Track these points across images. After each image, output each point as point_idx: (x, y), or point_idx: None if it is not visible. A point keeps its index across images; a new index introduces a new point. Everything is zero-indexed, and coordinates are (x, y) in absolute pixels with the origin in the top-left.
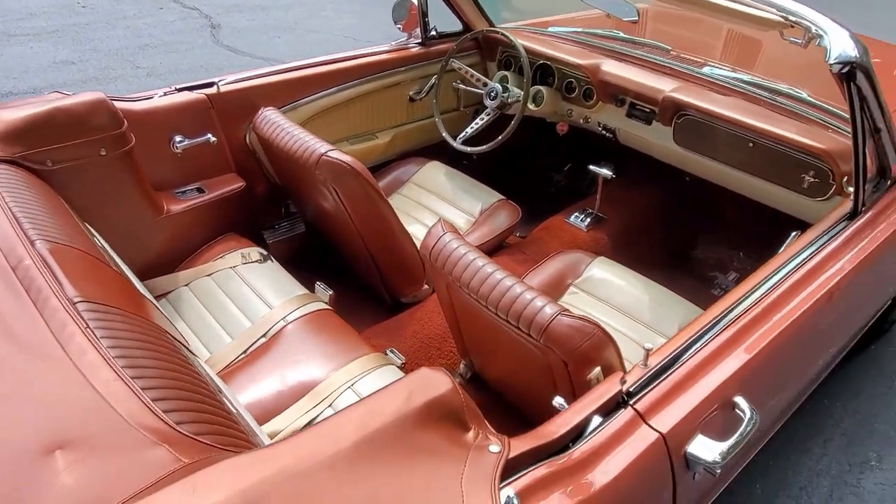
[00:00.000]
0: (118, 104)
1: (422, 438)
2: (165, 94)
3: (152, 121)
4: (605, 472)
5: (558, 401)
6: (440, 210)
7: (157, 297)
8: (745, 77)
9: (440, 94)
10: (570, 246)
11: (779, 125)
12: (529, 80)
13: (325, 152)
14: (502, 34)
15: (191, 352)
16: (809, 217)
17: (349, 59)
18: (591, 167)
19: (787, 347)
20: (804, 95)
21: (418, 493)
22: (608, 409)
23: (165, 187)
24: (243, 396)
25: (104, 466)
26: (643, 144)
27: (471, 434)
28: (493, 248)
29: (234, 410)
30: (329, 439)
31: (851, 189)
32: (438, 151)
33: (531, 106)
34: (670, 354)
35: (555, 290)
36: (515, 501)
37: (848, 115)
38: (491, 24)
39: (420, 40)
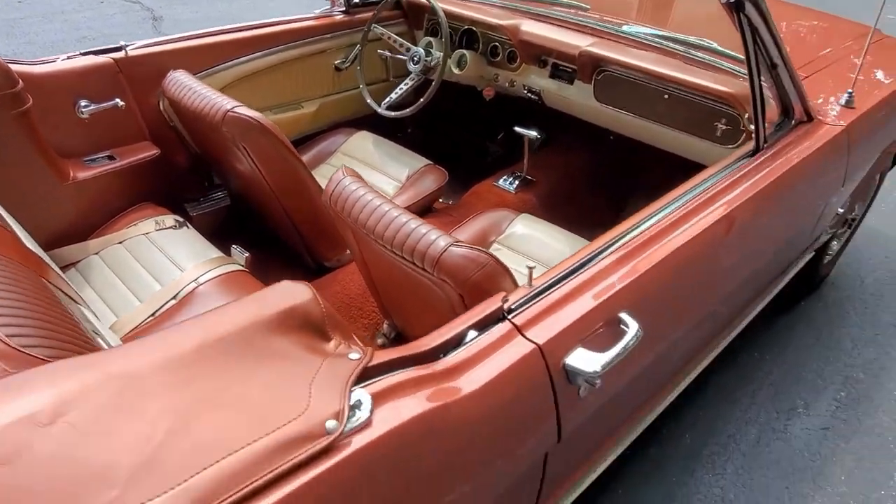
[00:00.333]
0: (15, 67)
1: (274, 345)
2: (69, 57)
3: (54, 84)
4: (472, 380)
5: None
6: (367, 177)
7: (67, 267)
8: (660, 32)
9: (366, 63)
10: (497, 208)
11: (691, 74)
12: (448, 39)
13: (231, 108)
14: None
15: (81, 304)
16: None
17: (269, 26)
18: (517, 129)
19: (678, 271)
20: (714, 45)
21: (261, 393)
22: (485, 324)
23: (74, 154)
24: None
25: None
26: (567, 105)
27: (332, 344)
28: (420, 211)
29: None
30: (169, 343)
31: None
32: (371, 123)
33: (456, 70)
34: (557, 275)
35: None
36: (367, 402)
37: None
38: None
39: (343, 8)
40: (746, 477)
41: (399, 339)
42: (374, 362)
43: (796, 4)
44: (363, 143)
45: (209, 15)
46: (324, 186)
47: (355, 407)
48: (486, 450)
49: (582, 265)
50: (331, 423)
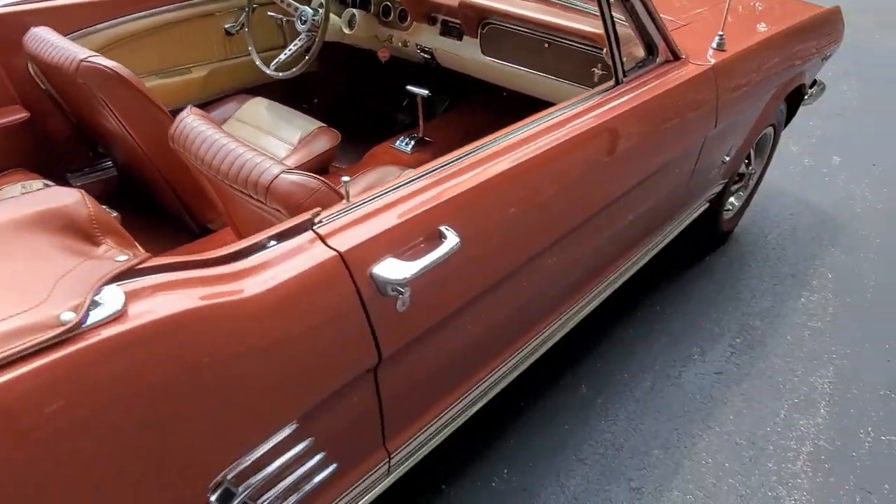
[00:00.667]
0: None
1: (26, 243)
2: None
3: None
4: (257, 283)
5: None
6: (259, 142)
7: None
8: None
9: (260, 27)
10: (387, 165)
11: (565, 20)
12: None
13: (86, 57)
14: None
15: None
16: None
17: None
18: (409, 87)
19: (514, 191)
20: None
21: None
22: (288, 235)
23: None
24: None
25: None
26: (460, 63)
27: (102, 248)
28: (313, 171)
29: None
30: None
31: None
32: (273, 92)
33: (346, 30)
34: (380, 191)
35: None
36: (119, 297)
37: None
38: None
39: None
40: (638, 422)
41: None
42: (149, 264)
43: None
44: (257, 108)
45: None
46: None
47: (101, 301)
48: (274, 355)
49: (408, 182)
50: (67, 315)
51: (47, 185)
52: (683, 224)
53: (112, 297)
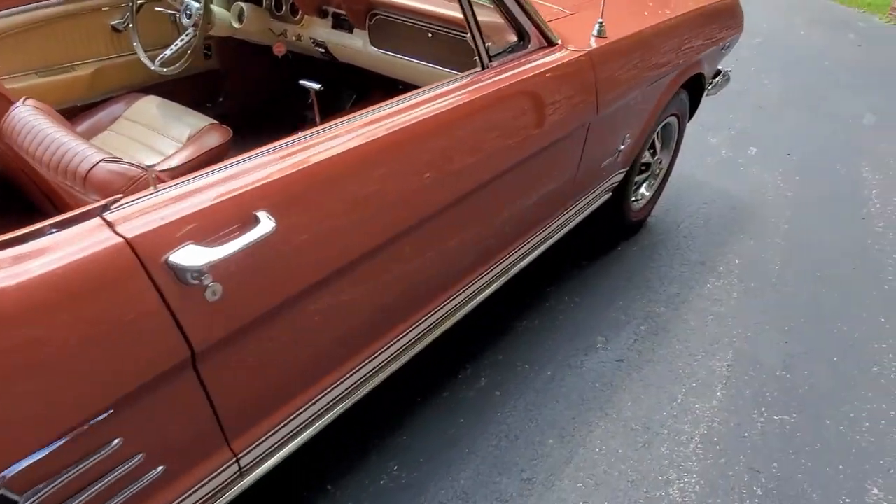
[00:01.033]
0: None
1: None
2: None
3: None
4: (27, 273)
5: None
6: (148, 140)
7: None
8: None
9: (152, 23)
10: None
11: (445, 8)
12: None
13: None
14: None
15: None
16: None
17: None
18: (301, 82)
19: (351, 175)
20: None
21: None
22: (72, 222)
23: None
24: None
25: None
26: (351, 55)
27: None
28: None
29: None
30: None
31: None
32: (173, 93)
33: (235, 24)
34: (192, 176)
35: None
36: None
37: None
38: None
39: None
40: (536, 413)
41: None
42: None
43: None
44: (147, 107)
45: None
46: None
47: None
48: (44, 350)
49: (228, 167)
50: None
51: None
52: (583, 213)
53: None
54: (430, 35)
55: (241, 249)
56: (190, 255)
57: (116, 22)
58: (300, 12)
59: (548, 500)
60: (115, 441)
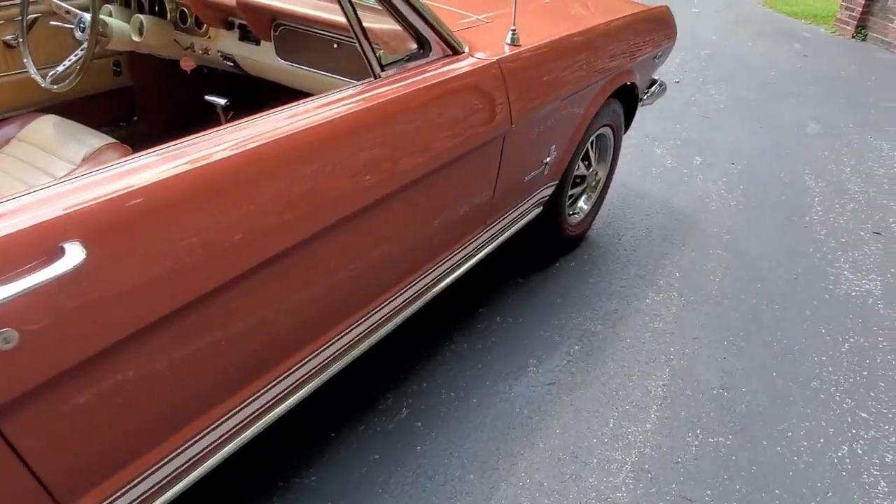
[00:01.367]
0: None
1: None
2: None
3: None
4: None
5: None
6: (39, 162)
7: None
8: None
9: (52, 39)
10: None
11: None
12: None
13: None
14: None
15: None
16: None
17: None
18: (207, 97)
19: (214, 189)
20: None
21: None
22: None
23: None
24: None
25: None
26: (261, 68)
27: None
28: None
29: None
30: None
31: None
32: (81, 112)
33: (135, 38)
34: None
35: None
36: None
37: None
38: None
39: None
40: (458, 444)
41: None
42: None
43: None
44: (42, 127)
45: None
46: None
47: None
48: None
49: (33, 192)
50: None
51: None
52: (511, 229)
53: None
54: (335, 45)
55: (38, 287)
56: None
57: (10, 37)
58: (205, 25)
59: None
60: None
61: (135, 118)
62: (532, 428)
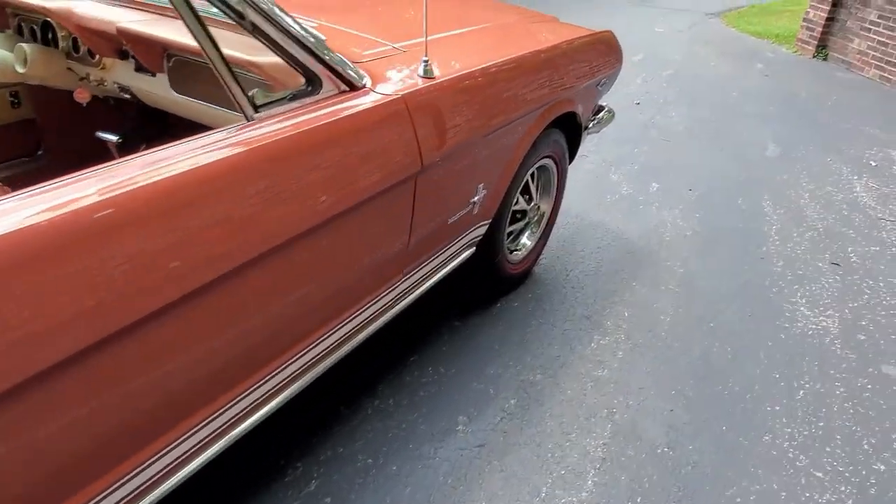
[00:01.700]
0: None
1: None
2: None
3: None
4: None
5: None
6: None
7: None
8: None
9: None
10: None
11: (240, 50)
12: None
13: None
14: None
15: None
16: None
17: None
18: (98, 134)
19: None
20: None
21: None
22: None
23: None
24: None
25: None
26: (158, 101)
27: None
28: None
29: None
30: None
31: None
32: None
33: (19, 69)
34: None
35: None
36: None
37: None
38: None
39: None
40: None
41: None
42: None
43: None
44: None
45: None
46: None
47: None
48: None
49: None
50: None
51: None
52: (439, 274)
53: None
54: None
55: None
56: None
57: None
58: (97, 55)
59: None
60: None
61: (39, 152)
62: (455, 500)
